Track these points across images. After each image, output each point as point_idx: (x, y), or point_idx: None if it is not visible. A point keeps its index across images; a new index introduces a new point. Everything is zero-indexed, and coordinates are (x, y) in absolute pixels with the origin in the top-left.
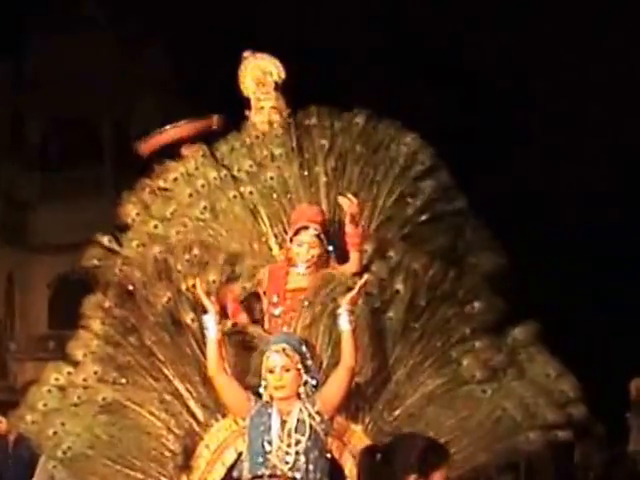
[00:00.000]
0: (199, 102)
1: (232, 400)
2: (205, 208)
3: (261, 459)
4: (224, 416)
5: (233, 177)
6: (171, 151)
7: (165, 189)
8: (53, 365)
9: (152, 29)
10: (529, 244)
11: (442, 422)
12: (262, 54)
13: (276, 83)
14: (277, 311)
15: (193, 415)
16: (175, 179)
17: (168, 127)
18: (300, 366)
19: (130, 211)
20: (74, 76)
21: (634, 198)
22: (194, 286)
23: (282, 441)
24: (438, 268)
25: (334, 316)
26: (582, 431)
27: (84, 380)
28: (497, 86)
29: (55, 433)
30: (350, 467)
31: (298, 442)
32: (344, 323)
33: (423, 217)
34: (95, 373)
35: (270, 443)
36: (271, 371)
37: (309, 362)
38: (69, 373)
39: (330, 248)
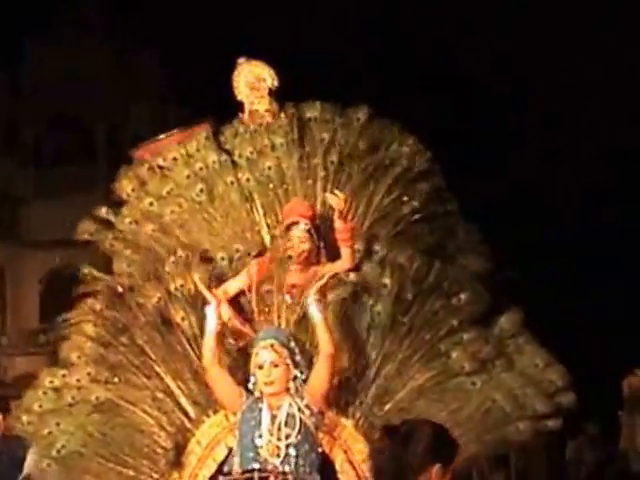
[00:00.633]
0: (192, 105)
1: (224, 394)
2: (202, 191)
3: (252, 454)
4: (215, 412)
5: (233, 162)
6: None
7: (163, 167)
8: (48, 369)
9: (147, 35)
10: (524, 244)
11: (432, 415)
12: (256, 61)
13: (269, 90)
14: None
15: (184, 412)
16: (174, 159)
17: (161, 136)
18: (289, 361)
19: (126, 186)
20: (69, 78)
21: (629, 198)
22: (182, 285)
23: (272, 435)
24: (422, 261)
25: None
26: (574, 429)
27: (78, 381)
28: (492, 90)
29: (50, 433)
30: (341, 462)
31: (288, 436)
32: (314, 312)
33: (417, 216)
34: (88, 374)
35: (261, 437)
36: (260, 367)
37: (298, 357)
38: (63, 375)
39: (321, 244)
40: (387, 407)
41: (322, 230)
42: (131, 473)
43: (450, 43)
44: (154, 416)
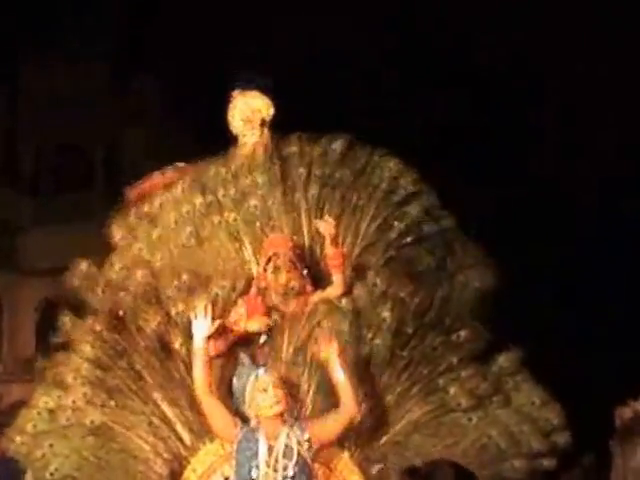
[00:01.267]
0: (190, 133)
1: (219, 424)
2: (191, 233)
3: None
4: (211, 440)
5: (218, 203)
6: None
7: (150, 213)
8: (43, 388)
9: (145, 62)
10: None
11: (428, 449)
12: (251, 92)
13: (263, 120)
14: (262, 339)
15: (180, 439)
16: (161, 204)
17: (156, 173)
18: (285, 388)
19: (115, 233)
20: (67, 104)
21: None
22: (183, 311)
23: (269, 466)
24: (424, 296)
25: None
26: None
27: (73, 402)
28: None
29: (43, 455)
30: None
31: (285, 467)
32: (338, 373)
33: (408, 239)
34: (84, 395)
35: (258, 468)
36: (264, 390)
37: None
38: (59, 396)
39: (304, 272)
40: (384, 439)
41: (307, 260)
42: None
43: (468, 39)
44: (150, 442)
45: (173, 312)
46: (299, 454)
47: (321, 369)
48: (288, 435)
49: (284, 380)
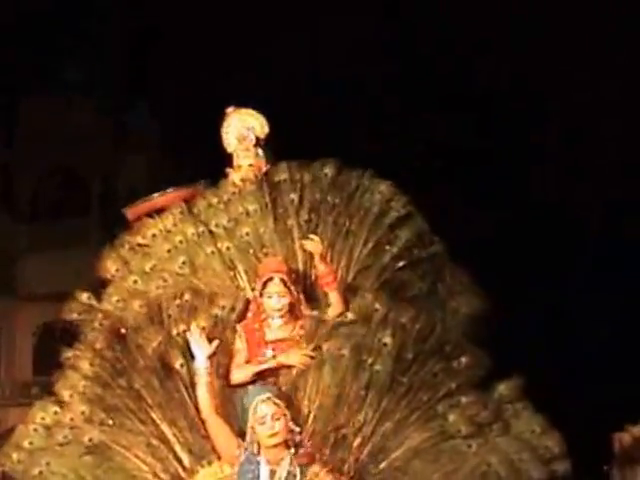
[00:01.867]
0: (188, 159)
1: (222, 444)
2: (184, 263)
3: None
4: (210, 463)
5: (210, 232)
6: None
7: (144, 245)
8: (40, 404)
9: (143, 89)
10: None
11: (427, 476)
12: (246, 109)
13: (258, 138)
14: (266, 365)
15: (179, 460)
16: (153, 235)
17: (155, 195)
18: (287, 412)
19: (110, 267)
20: (64, 132)
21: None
22: (185, 331)
23: None
24: (425, 322)
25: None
26: None
27: (71, 420)
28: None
29: (40, 473)
30: None
31: None
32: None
33: (400, 263)
34: (82, 413)
35: None
36: (263, 422)
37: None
38: (55, 412)
39: (300, 296)
40: (382, 465)
41: (302, 285)
42: None
43: (468, 62)
44: (148, 462)
45: (174, 332)
46: None
47: (321, 394)
48: (291, 461)
49: (287, 404)
